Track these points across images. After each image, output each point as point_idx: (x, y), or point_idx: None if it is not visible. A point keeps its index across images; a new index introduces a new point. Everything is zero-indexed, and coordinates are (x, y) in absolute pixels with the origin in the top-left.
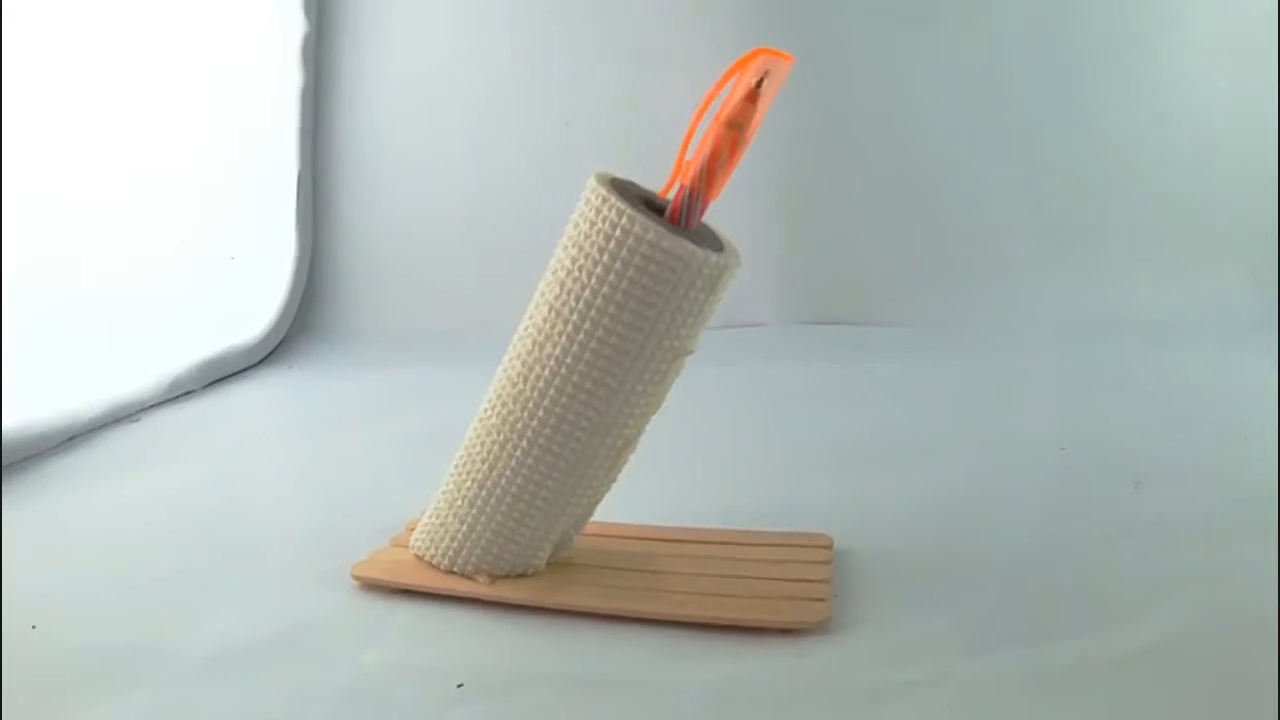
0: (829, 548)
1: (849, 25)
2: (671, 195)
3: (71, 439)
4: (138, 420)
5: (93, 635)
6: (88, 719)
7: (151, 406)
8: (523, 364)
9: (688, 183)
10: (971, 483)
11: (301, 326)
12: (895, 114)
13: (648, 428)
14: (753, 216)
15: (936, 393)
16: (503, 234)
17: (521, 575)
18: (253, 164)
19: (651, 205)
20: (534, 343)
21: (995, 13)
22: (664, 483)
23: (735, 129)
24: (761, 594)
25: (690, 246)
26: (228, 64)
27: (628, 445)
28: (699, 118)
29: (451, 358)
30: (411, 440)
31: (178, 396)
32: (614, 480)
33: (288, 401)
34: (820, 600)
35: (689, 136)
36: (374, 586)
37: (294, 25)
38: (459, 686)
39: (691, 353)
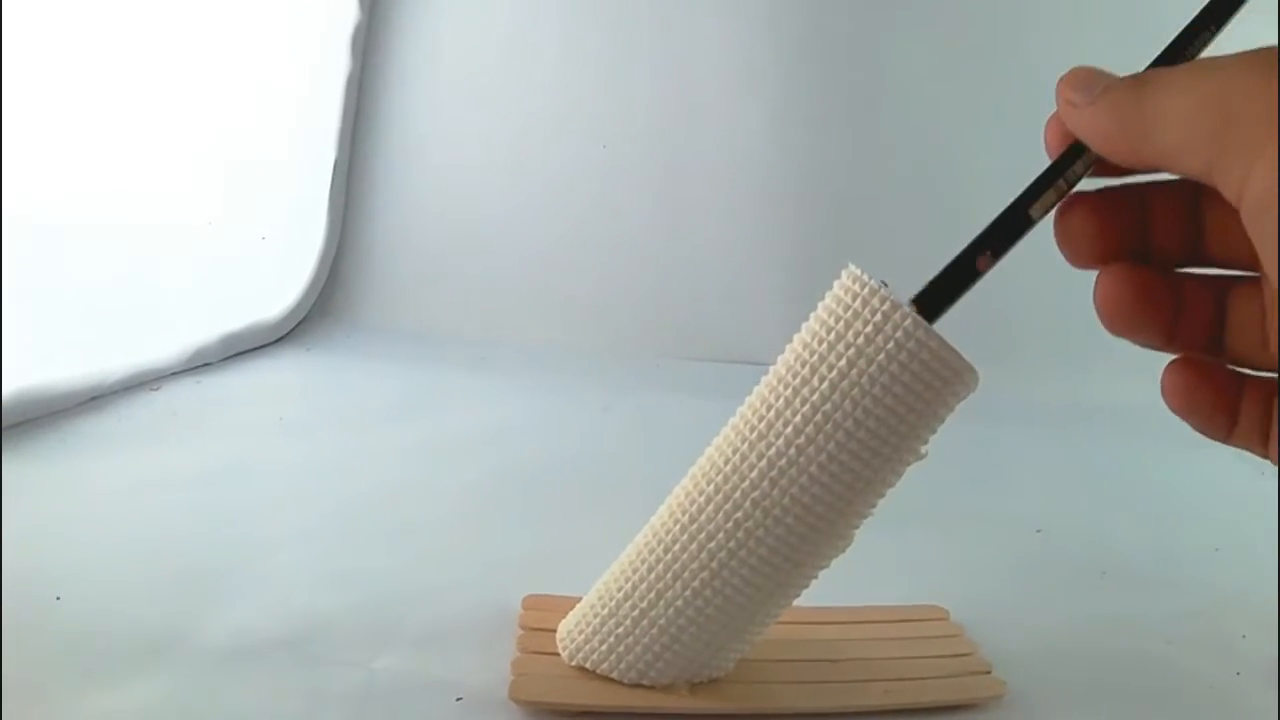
0: (947, 619)
1: (900, 67)
2: None
3: (96, 399)
4: (158, 389)
5: (113, 614)
6: (104, 701)
7: (172, 374)
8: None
9: None
10: (957, 555)
11: (322, 311)
12: (937, 160)
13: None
14: (774, 254)
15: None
16: (529, 247)
17: (714, 680)
18: (293, 146)
19: None
20: (763, 428)
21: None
22: None
23: None
24: (937, 673)
25: (963, 358)
26: (279, 45)
27: (838, 552)
28: None
29: (462, 363)
30: (418, 448)
31: (197, 367)
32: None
33: (305, 386)
34: (986, 673)
35: None
36: (552, 712)
37: (347, 13)
38: (458, 700)
39: (924, 457)
